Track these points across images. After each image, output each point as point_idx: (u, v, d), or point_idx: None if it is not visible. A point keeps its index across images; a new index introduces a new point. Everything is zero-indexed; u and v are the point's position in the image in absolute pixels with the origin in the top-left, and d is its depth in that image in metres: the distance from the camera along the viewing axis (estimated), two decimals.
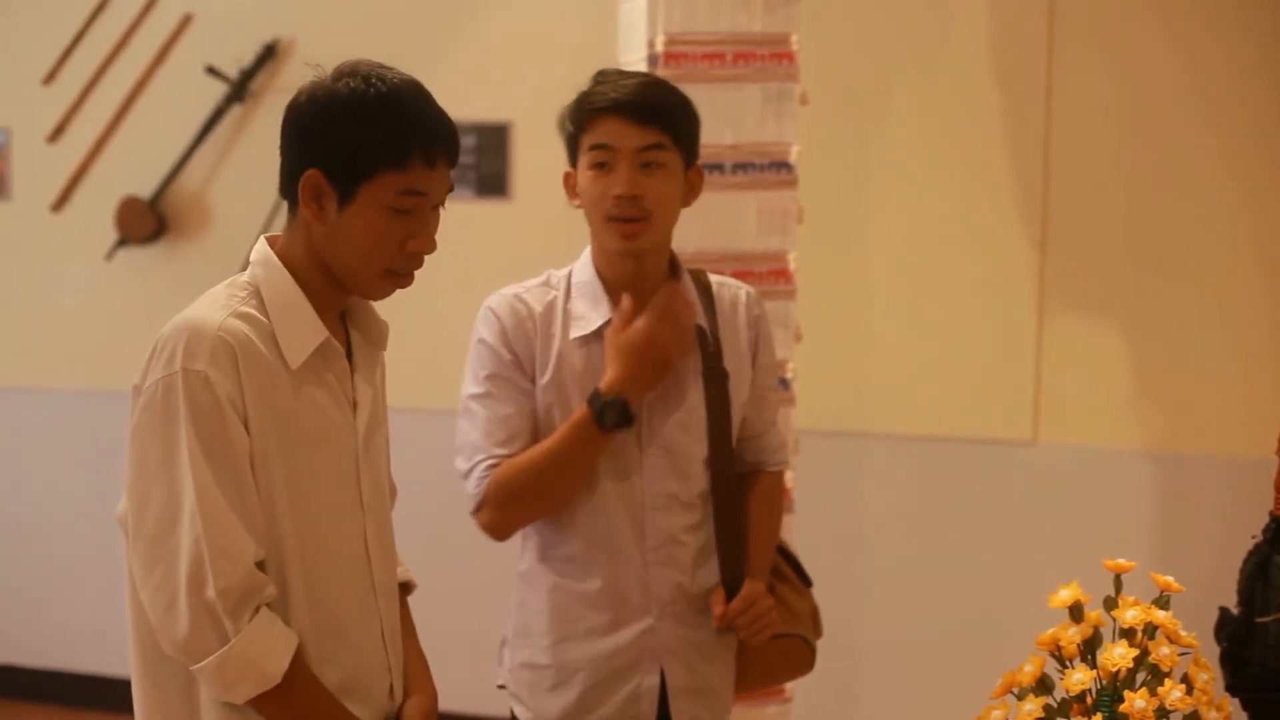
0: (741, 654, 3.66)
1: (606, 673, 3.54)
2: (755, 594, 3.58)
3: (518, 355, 3.50)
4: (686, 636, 3.58)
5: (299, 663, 2.71)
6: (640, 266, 3.53)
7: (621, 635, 3.55)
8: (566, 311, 3.53)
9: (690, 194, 3.58)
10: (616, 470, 3.52)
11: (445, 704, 3.10)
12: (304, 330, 2.78)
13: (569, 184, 3.54)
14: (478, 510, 3.51)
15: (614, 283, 3.54)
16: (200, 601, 2.61)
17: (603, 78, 3.53)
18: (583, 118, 3.48)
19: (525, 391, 3.50)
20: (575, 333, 3.51)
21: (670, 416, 3.55)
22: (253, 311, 2.74)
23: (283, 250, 2.81)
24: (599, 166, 3.45)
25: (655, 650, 3.55)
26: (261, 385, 2.70)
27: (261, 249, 2.82)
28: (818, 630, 3.88)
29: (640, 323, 3.45)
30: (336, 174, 2.72)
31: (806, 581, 3.90)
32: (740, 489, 3.71)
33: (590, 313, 3.52)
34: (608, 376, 3.43)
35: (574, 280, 3.57)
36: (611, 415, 3.41)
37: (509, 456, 3.48)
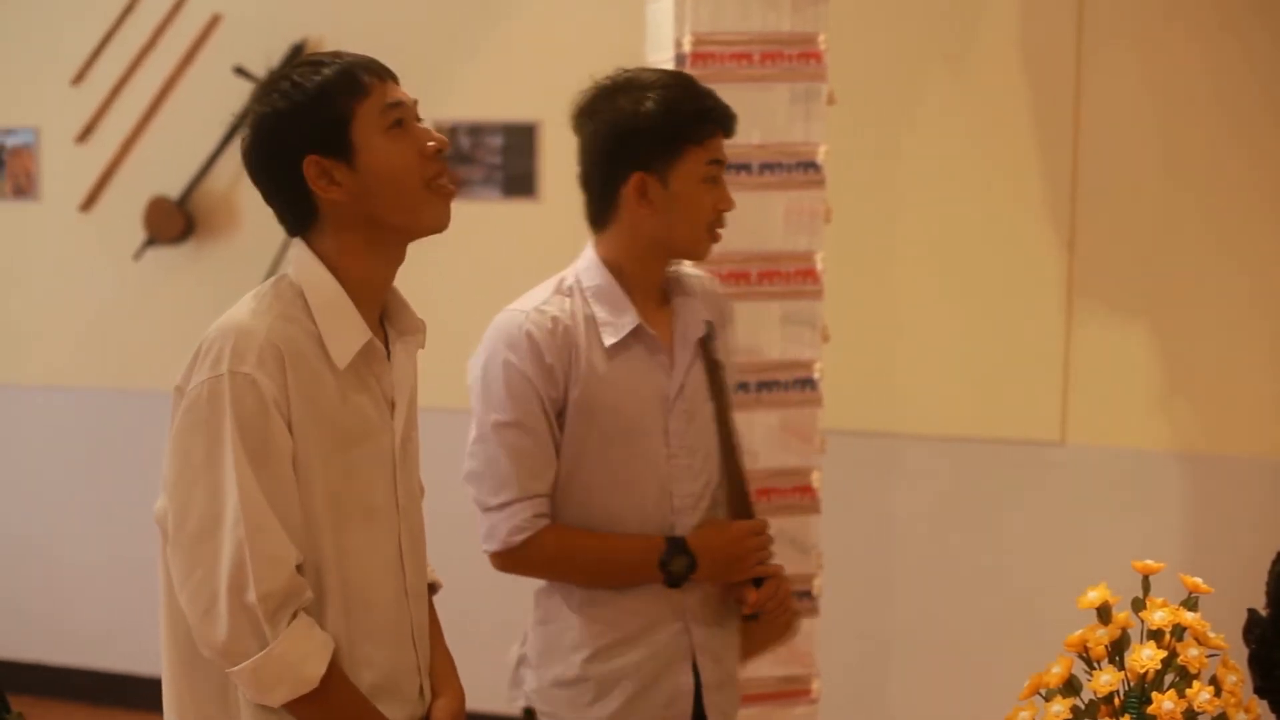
0: (744, 624, 3.70)
1: (647, 678, 3.56)
2: (778, 579, 3.65)
3: (555, 375, 3.46)
4: (714, 632, 3.61)
5: (335, 666, 2.72)
6: (663, 268, 3.60)
7: (656, 639, 3.56)
8: (590, 318, 3.51)
9: None
10: (649, 480, 3.53)
11: (472, 704, 3.10)
12: (349, 331, 2.79)
13: (642, 189, 3.47)
14: (503, 553, 3.52)
15: (635, 284, 3.54)
16: (240, 605, 2.62)
17: (687, 85, 3.54)
18: (699, 128, 3.48)
19: (555, 417, 3.49)
20: (608, 340, 3.49)
21: (688, 418, 3.56)
22: (298, 314, 2.76)
23: (324, 256, 2.80)
24: (712, 180, 3.50)
25: (689, 649, 3.57)
26: (307, 388, 2.72)
27: (302, 250, 2.82)
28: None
29: (750, 553, 3.58)
30: (325, 144, 2.75)
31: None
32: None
33: (616, 319, 3.51)
34: (705, 553, 3.53)
35: (585, 285, 3.54)
36: (677, 572, 3.52)
37: (544, 496, 3.50)
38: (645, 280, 3.55)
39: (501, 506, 3.48)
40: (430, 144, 2.80)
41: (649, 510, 3.53)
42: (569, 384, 3.47)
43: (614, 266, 3.51)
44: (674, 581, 3.51)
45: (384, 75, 2.81)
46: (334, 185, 2.75)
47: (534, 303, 3.51)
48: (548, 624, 3.62)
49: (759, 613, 3.63)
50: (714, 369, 3.60)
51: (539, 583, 3.65)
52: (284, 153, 2.75)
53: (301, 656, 2.67)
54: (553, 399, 3.47)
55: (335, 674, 2.72)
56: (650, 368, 3.52)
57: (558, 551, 3.51)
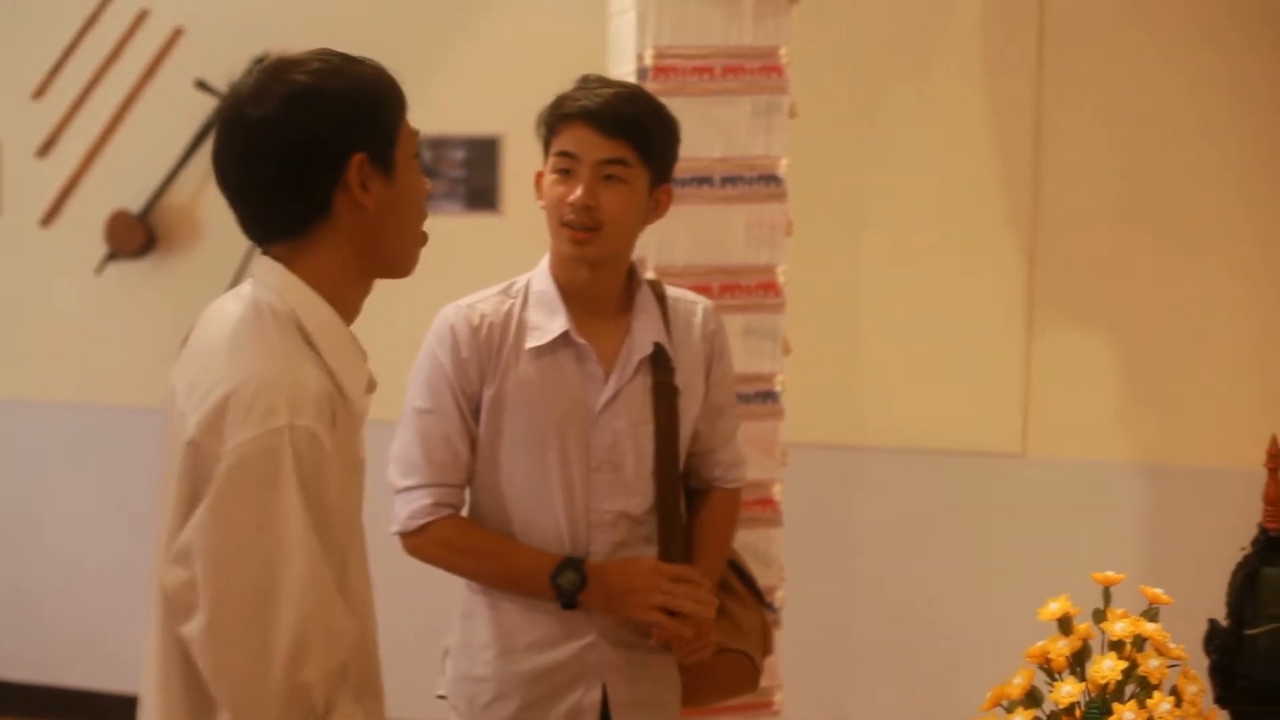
0: (684, 669, 3.65)
1: (547, 687, 3.54)
2: (694, 622, 3.57)
3: (469, 370, 3.50)
4: (628, 653, 3.57)
5: None
6: (595, 276, 3.54)
7: (563, 650, 3.54)
8: (522, 321, 3.53)
9: (655, 212, 3.59)
10: (563, 489, 3.52)
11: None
12: (357, 367, 2.57)
13: (539, 184, 3.55)
14: (402, 535, 3.54)
15: (570, 291, 3.54)
16: (296, 686, 2.36)
17: (583, 84, 3.54)
18: (554, 122, 3.51)
19: (470, 411, 3.51)
20: (530, 342, 3.51)
21: (618, 435, 3.55)
22: (310, 352, 2.49)
23: (309, 272, 2.53)
24: (562, 172, 3.48)
25: (597, 666, 3.55)
26: (343, 437, 2.48)
27: (285, 277, 2.54)
28: (766, 647, 3.87)
29: (652, 590, 3.51)
30: (377, 146, 2.53)
31: (759, 597, 3.90)
32: (694, 504, 3.74)
33: (546, 323, 3.52)
34: (597, 575, 3.49)
35: (532, 289, 3.57)
36: (565, 588, 3.49)
37: (452, 487, 3.53)
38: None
39: (406, 490, 3.53)
40: (429, 188, 2.68)
41: (561, 519, 3.52)
42: (484, 381, 3.50)
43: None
44: (565, 599, 3.48)
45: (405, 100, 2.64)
46: (366, 193, 2.51)
47: (473, 299, 3.57)
48: (467, 619, 3.64)
49: (681, 650, 3.60)
50: (661, 391, 3.59)
51: (466, 583, 3.67)
52: (331, 139, 2.50)
53: None
54: (467, 393, 3.50)
55: None
56: (577, 376, 3.52)
57: (454, 544, 3.53)
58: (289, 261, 2.54)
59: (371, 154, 2.52)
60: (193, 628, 2.39)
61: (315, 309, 2.52)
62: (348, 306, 2.58)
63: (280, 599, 2.35)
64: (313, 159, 2.49)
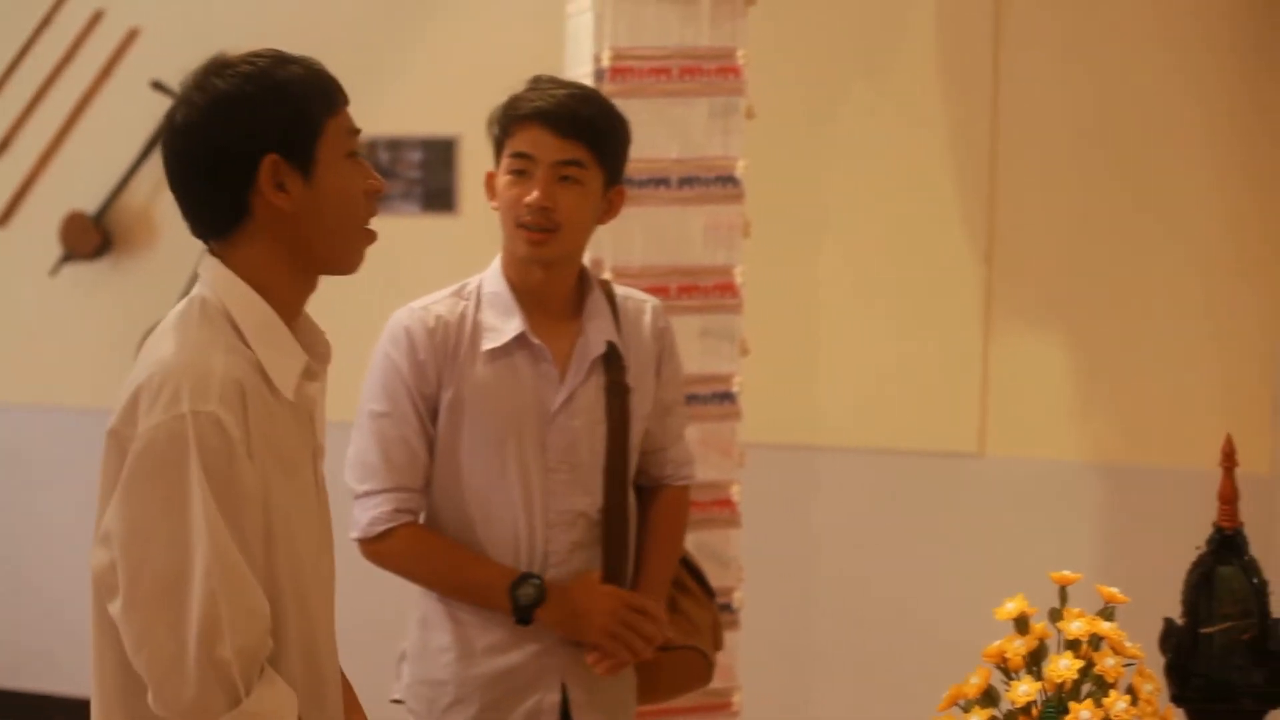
0: (638, 666, 3.65)
1: (505, 690, 3.54)
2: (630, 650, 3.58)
3: (426, 372, 3.49)
4: (585, 653, 3.56)
5: (299, 715, 2.59)
6: (549, 276, 3.54)
7: (521, 653, 3.54)
8: (477, 323, 3.53)
9: (608, 213, 3.60)
10: (521, 490, 3.52)
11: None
12: (288, 357, 2.63)
13: (490, 185, 3.55)
14: (362, 542, 3.53)
15: (524, 292, 3.54)
16: (211, 661, 2.42)
17: (535, 84, 3.54)
18: (508, 123, 3.51)
19: (427, 413, 3.51)
20: (486, 344, 3.51)
21: (574, 435, 3.55)
22: (236, 342, 2.56)
23: (241, 268, 2.60)
24: (517, 173, 3.47)
25: (556, 667, 3.55)
26: (263, 423, 2.54)
27: (217, 269, 2.62)
28: (717, 643, 3.87)
29: (609, 616, 3.50)
30: (291, 147, 2.58)
31: (710, 594, 3.90)
32: (644, 503, 3.74)
33: (502, 325, 3.52)
34: (557, 592, 3.48)
35: (484, 291, 3.56)
36: (523, 600, 3.47)
37: (411, 492, 3.52)
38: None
39: (366, 495, 3.52)
40: (372, 183, 2.69)
41: (520, 520, 3.52)
42: (442, 383, 3.49)
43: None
44: (521, 614, 3.47)
45: (346, 98, 2.68)
46: (283, 193, 2.57)
47: (426, 301, 3.56)
48: (424, 623, 3.63)
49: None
50: (613, 391, 3.60)
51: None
52: (241, 142, 2.56)
53: (273, 711, 2.51)
54: (425, 395, 3.50)
55: None
56: (533, 377, 3.52)
57: (414, 553, 3.53)
58: (224, 257, 2.63)
59: (286, 154, 2.57)
60: (114, 607, 2.49)
61: (245, 302, 2.59)
62: (284, 300, 2.65)
63: (190, 578, 2.43)
64: (225, 162, 2.57)
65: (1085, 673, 2.61)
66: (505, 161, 3.50)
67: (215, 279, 2.62)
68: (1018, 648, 2.67)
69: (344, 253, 2.68)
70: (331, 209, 2.63)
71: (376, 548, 3.52)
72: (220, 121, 2.57)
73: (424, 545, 3.54)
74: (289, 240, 2.62)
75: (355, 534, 3.52)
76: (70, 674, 4.18)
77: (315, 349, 2.74)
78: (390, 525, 3.50)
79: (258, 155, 2.56)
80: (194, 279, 2.74)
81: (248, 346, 2.57)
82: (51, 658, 6.69)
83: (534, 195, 3.43)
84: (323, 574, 2.77)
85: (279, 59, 2.66)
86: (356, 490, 3.53)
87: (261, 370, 2.57)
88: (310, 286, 2.71)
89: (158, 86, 6.39)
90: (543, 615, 3.48)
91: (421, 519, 3.58)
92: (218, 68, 2.64)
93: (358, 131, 2.68)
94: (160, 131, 2.70)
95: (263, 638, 2.50)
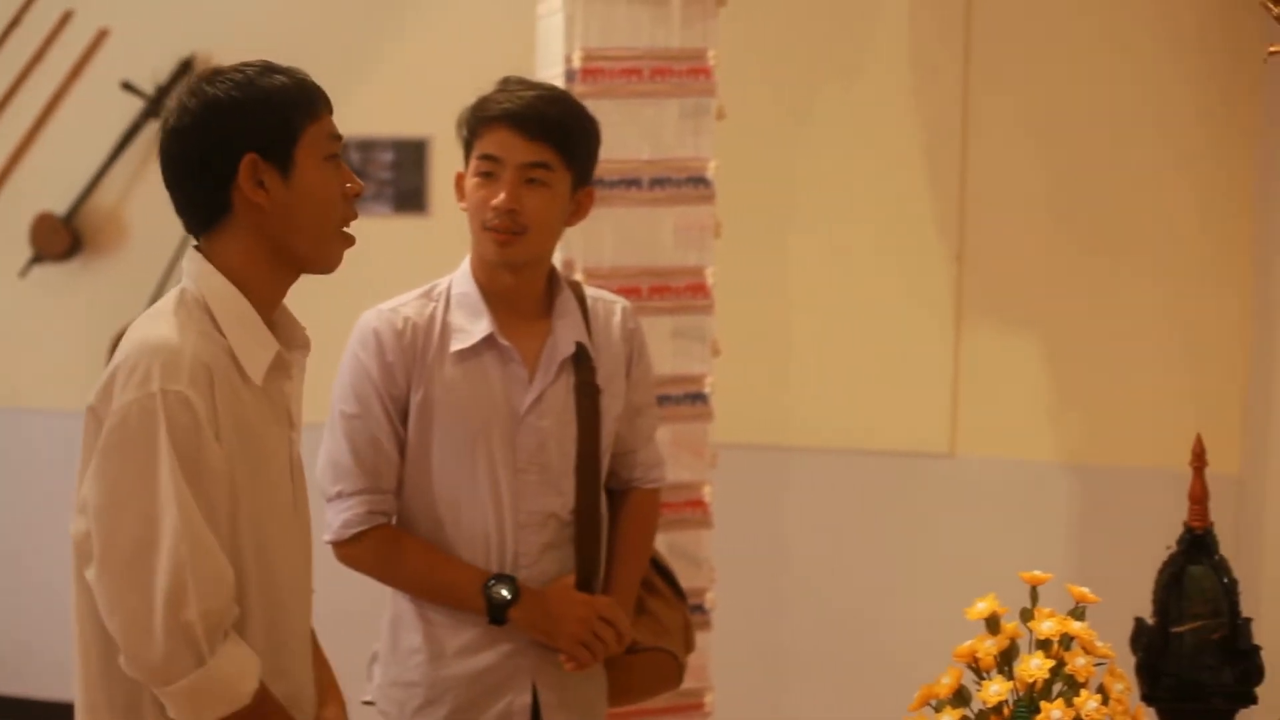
0: (608, 668, 3.66)
1: (477, 691, 3.54)
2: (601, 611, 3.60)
3: (395, 374, 3.49)
4: (556, 655, 3.56)
5: (262, 682, 2.72)
6: (518, 278, 3.54)
7: (492, 654, 3.54)
8: (446, 324, 3.53)
9: (576, 214, 3.60)
10: (490, 491, 3.52)
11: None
12: (259, 345, 2.79)
13: (459, 186, 3.56)
14: (335, 544, 3.53)
15: (493, 293, 3.54)
16: (177, 623, 2.60)
17: (505, 86, 3.54)
18: (476, 124, 3.51)
19: (398, 414, 3.51)
20: (455, 345, 3.51)
21: (543, 435, 3.54)
22: (210, 329, 2.74)
23: (221, 262, 2.79)
24: (485, 175, 3.48)
25: (526, 669, 3.55)
26: (231, 405, 2.71)
27: (199, 263, 2.80)
28: (689, 644, 3.87)
29: (581, 625, 3.51)
30: (270, 149, 2.75)
31: (680, 595, 3.90)
32: (614, 506, 3.73)
33: (470, 326, 3.52)
34: (530, 596, 3.49)
35: (454, 292, 3.57)
36: (496, 600, 3.48)
37: (384, 494, 3.52)
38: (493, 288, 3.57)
39: (338, 497, 3.52)
40: (351, 186, 2.85)
41: (490, 521, 3.51)
42: (411, 384, 3.50)
43: None
44: (494, 613, 3.47)
45: (330, 106, 2.84)
46: (261, 190, 2.75)
47: (394, 303, 3.57)
48: (395, 624, 3.63)
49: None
50: (583, 391, 3.60)
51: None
52: (225, 142, 2.75)
53: (237, 674, 2.67)
54: (394, 397, 3.50)
55: (264, 689, 2.72)
56: (503, 378, 3.52)
57: (387, 555, 3.53)
58: (208, 252, 2.81)
59: (265, 154, 2.75)
60: (90, 573, 2.66)
61: (222, 293, 2.77)
62: (262, 293, 2.82)
63: (159, 546, 2.61)
64: (209, 160, 2.76)
65: (1056, 672, 2.62)
66: (473, 163, 3.51)
67: (196, 272, 2.80)
68: (989, 647, 2.67)
69: (321, 251, 2.85)
70: (308, 207, 2.79)
71: (350, 550, 3.52)
72: (207, 123, 2.75)
73: (397, 548, 3.53)
74: (268, 236, 2.78)
75: (328, 537, 3.51)
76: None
77: (293, 340, 2.91)
78: (363, 528, 3.50)
79: (239, 154, 2.74)
80: (166, 279, 2.85)
81: (221, 334, 2.74)
82: (38, 658, 6.67)
83: (500, 198, 3.44)
84: (297, 565, 2.91)
85: (266, 68, 2.82)
86: (329, 492, 3.53)
87: (233, 357, 2.75)
88: (288, 281, 2.87)
89: (128, 87, 6.37)
90: (516, 615, 3.48)
91: (394, 521, 3.57)
92: (210, 76, 2.80)
93: (339, 137, 2.85)
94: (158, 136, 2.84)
95: (227, 602, 2.66)
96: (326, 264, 2.86)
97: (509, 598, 3.46)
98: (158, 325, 2.72)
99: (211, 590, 2.62)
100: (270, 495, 2.81)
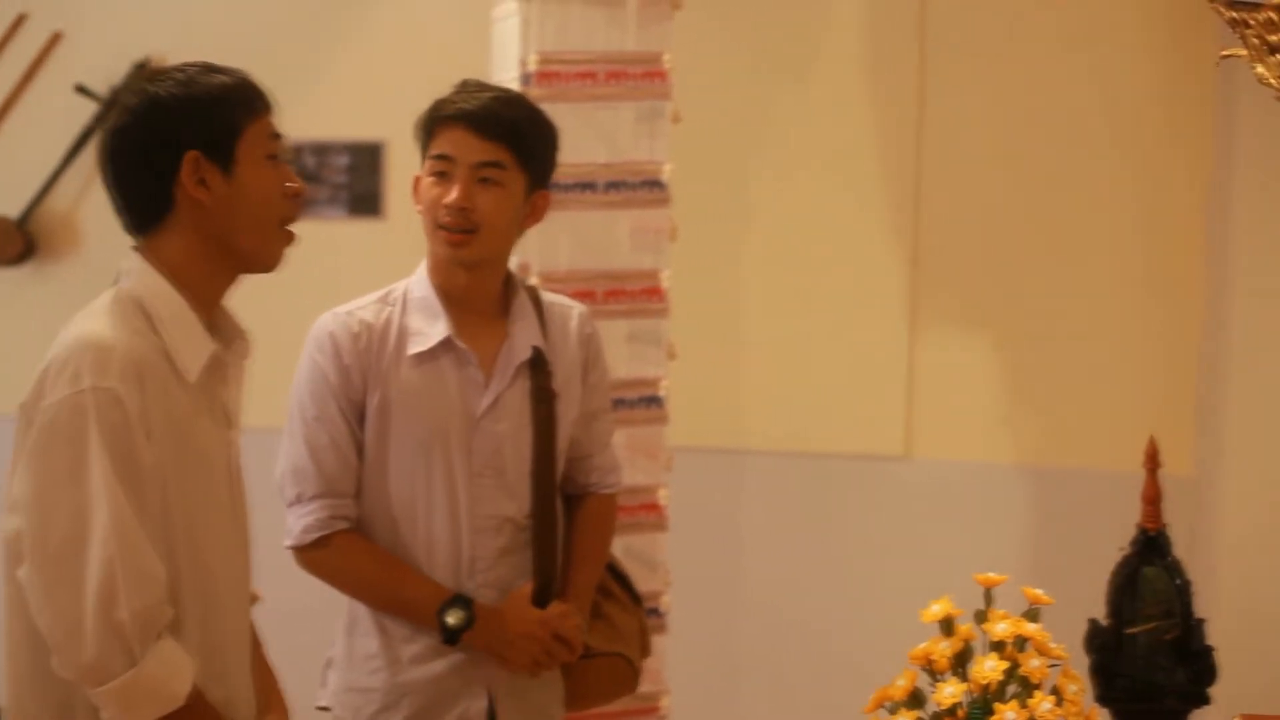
0: (564, 673, 3.67)
1: (434, 697, 3.54)
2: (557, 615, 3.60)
3: (351, 377, 3.49)
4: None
5: (195, 684, 2.72)
6: (473, 279, 3.55)
7: (447, 662, 3.54)
8: (402, 327, 3.53)
9: (531, 217, 3.61)
10: (446, 495, 3.52)
11: None
12: (195, 344, 2.80)
13: (416, 188, 3.57)
14: (295, 549, 3.53)
15: (449, 295, 3.55)
16: (109, 623, 2.59)
17: (462, 88, 3.56)
18: (432, 125, 3.53)
19: (355, 418, 3.51)
20: (413, 349, 3.51)
21: (499, 439, 3.55)
22: (143, 327, 2.75)
23: (160, 261, 2.81)
24: (439, 175, 3.49)
25: (482, 677, 3.55)
26: (163, 403, 2.71)
27: (137, 262, 2.83)
28: (645, 649, 3.88)
29: (536, 645, 3.52)
30: (212, 146, 2.79)
31: (637, 600, 3.90)
32: (571, 511, 3.74)
33: (428, 328, 3.53)
34: (485, 616, 3.48)
35: (410, 295, 3.57)
36: (451, 625, 3.47)
37: (344, 498, 3.51)
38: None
39: (298, 501, 3.52)
40: (291, 185, 2.87)
41: (446, 525, 3.52)
42: (367, 388, 3.50)
43: None
44: (448, 635, 3.47)
45: (271, 105, 2.87)
46: (203, 188, 2.78)
47: (350, 307, 3.57)
48: (351, 629, 3.63)
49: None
50: (539, 396, 3.59)
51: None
52: (166, 141, 2.78)
53: (170, 674, 2.66)
54: (351, 400, 3.50)
55: (196, 691, 2.72)
56: (459, 382, 3.52)
57: (348, 563, 3.53)
58: (146, 252, 2.85)
59: (207, 152, 2.79)
60: (22, 572, 2.66)
61: (159, 292, 2.79)
62: (200, 292, 2.84)
63: (89, 544, 2.61)
64: (151, 158, 2.80)
65: (1010, 674, 2.63)
66: (428, 163, 3.52)
67: (133, 270, 2.83)
68: (943, 649, 2.68)
69: (262, 249, 2.87)
70: (249, 205, 2.82)
71: (311, 556, 3.52)
72: (150, 121, 2.80)
73: (358, 556, 3.53)
74: (209, 235, 2.81)
75: (289, 542, 3.52)
76: None
77: (232, 343, 2.92)
78: (325, 532, 3.50)
79: (181, 151, 2.77)
80: (117, 279, 2.85)
81: (156, 333, 2.76)
82: None
83: (453, 196, 3.45)
84: (235, 566, 2.92)
85: (207, 68, 2.87)
86: (289, 496, 3.53)
87: (167, 355, 2.76)
88: (227, 281, 2.89)
89: (82, 90, 6.34)
90: (469, 639, 3.49)
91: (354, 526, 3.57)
92: (151, 75, 2.89)
93: (279, 136, 2.88)
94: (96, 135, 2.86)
95: (159, 602, 2.66)
96: (267, 262, 2.88)
97: (461, 626, 3.46)
98: (90, 323, 2.74)
99: (143, 588, 2.62)
100: (206, 495, 2.81)
